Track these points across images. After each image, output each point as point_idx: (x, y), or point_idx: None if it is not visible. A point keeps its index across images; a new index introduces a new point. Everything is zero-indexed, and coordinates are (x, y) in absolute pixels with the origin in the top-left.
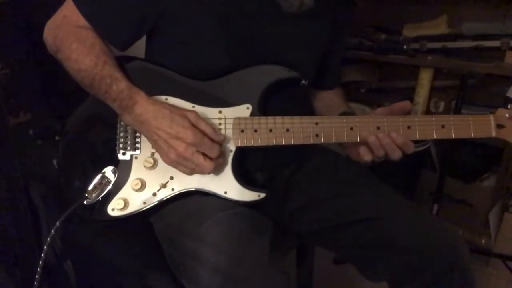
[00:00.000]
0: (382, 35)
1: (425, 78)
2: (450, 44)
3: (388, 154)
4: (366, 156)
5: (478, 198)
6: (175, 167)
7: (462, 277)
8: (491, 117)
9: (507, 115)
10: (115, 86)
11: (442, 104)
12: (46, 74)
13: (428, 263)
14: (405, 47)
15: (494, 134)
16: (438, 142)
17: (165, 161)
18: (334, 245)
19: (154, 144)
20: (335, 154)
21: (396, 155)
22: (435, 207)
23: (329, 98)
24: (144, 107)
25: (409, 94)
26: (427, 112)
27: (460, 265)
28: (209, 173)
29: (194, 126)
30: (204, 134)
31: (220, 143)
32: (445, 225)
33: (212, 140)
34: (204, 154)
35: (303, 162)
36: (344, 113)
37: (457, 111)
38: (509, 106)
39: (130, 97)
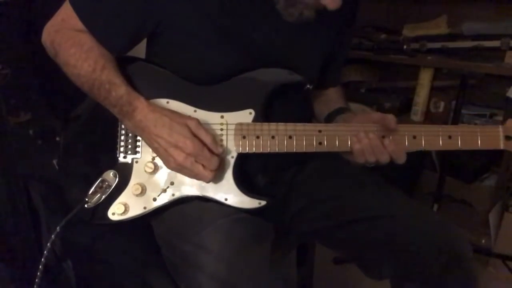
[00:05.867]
0: (382, 35)
1: (425, 78)
2: (450, 44)
3: (377, 158)
4: (359, 158)
5: (478, 198)
6: (177, 172)
7: (464, 273)
8: (500, 128)
9: None
10: (114, 92)
11: (442, 104)
12: (46, 74)
13: (430, 260)
14: (405, 47)
15: (502, 146)
16: None
17: (167, 167)
18: (336, 243)
19: (155, 151)
20: (335, 155)
21: (384, 158)
22: (435, 207)
23: (326, 94)
24: (144, 113)
25: (409, 94)
26: (427, 112)
27: (462, 261)
28: (208, 182)
29: (194, 135)
30: (204, 144)
31: (219, 154)
32: (446, 222)
33: (211, 151)
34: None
35: (304, 162)
36: (339, 110)
37: (457, 111)
38: None
39: (129, 103)
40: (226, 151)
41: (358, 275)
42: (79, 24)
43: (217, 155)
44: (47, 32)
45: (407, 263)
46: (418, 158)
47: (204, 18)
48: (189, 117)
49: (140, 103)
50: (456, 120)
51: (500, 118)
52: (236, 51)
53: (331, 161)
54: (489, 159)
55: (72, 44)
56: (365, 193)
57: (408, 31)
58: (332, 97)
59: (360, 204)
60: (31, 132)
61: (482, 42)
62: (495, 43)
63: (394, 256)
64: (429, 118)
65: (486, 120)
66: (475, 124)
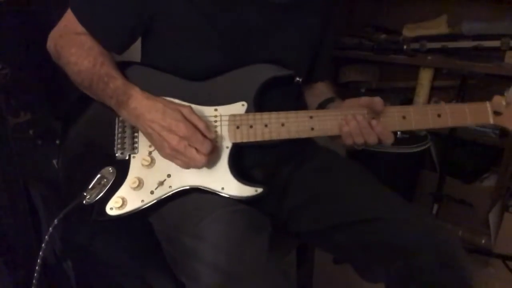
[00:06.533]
0: (382, 35)
1: (425, 78)
2: (450, 44)
3: (365, 139)
4: (347, 140)
5: (478, 198)
6: (171, 160)
7: (459, 277)
8: (487, 104)
9: (503, 102)
10: (112, 84)
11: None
12: (46, 74)
13: (425, 264)
14: (405, 47)
15: (491, 121)
16: (438, 142)
17: (162, 155)
18: (332, 246)
19: (149, 137)
20: (335, 154)
21: (372, 139)
22: (435, 207)
23: (316, 87)
24: (138, 101)
25: (409, 94)
26: None
27: (457, 265)
28: (202, 167)
29: (187, 120)
30: (197, 128)
31: (212, 139)
32: (442, 225)
33: (204, 136)
34: (196, 149)
35: (303, 160)
36: (329, 99)
37: None
38: (505, 93)
39: (125, 93)
40: (220, 142)
41: (358, 275)
42: (80, 27)
43: (210, 139)
44: (51, 37)
45: (402, 266)
46: (418, 158)
47: (197, 13)
48: (183, 104)
49: (135, 92)
50: None
51: None
52: (228, 47)
53: (330, 161)
54: (489, 159)
55: (73, 44)
56: (362, 196)
57: (408, 31)
58: (322, 90)
59: (357, 207)
60: (31, 132)
61: (482, 42)
62: (495, 43)
63: (388, 259)
64: None
65: None
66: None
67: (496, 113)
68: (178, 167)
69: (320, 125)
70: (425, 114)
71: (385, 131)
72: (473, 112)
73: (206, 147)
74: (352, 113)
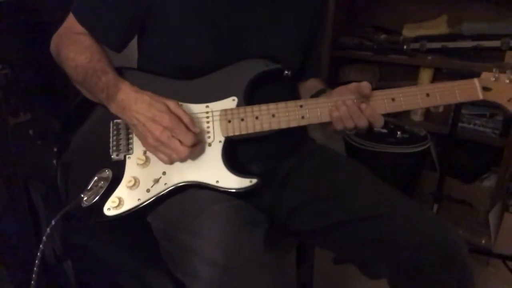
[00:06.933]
0: (382, 35)
1: (425, 78)
2: (450, 44)
3: (356, 123)
4: (338, 125)
5: (478, 198)
6: (154, 153)
7: (461, 273)
8: (475, 80)
9: (492, 78)
10: (104, 77)
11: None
12: (46, 74)
13: (427, 260)
14: (405, 47)
15: (481, 96)
16: (438, 142)
17: (145, 147)
18: (333, 244)
19: (134, 129)
20: (335, 153)
21: (362, 123)
22: (435, 207)
23: (309, 83)
24: (126, 92)
25: None
26: (427, 112)
27: (459, 261)
28: (185, 160)
29: (172, 112)
30: (182, 122)
31: (195, 133)
32: (444, 221)
33: (188, 129)
34: (180, 141)
35: (302, 159)
36: (320, 90)
37: (457, 111)
38: (494, 70)
39: (115, 85)
40: (213, 136)
41: (358, 275)
42: (80, 28)
43: (194, 133)
44: (53, 39)
45: (404, 262)
46: (418, 158)
47: (192, 9)
48: (169, 99)
49: (125, 85)
50: (456, 120)
51: (500, 118)
52: (220, 44)
53: (330, 159)
54: (489, 159)
55: (73, 42)
56: (363, 193)
57: (408, 31)
58: (314, 85)
59: (358, 204)
60: (31, 132)
61: (482, 42)
62: (495, 43)
63: (391, 255)
64: (429, 118)
65: (486, 120)
66: (475, 124)
67: (486, 89)
68: (159, 158)
69: (310, 113)
70: (413, 95)
71: (375, 114)
72: (462, 89)
73: (189, 138)
74: (341, 99)
